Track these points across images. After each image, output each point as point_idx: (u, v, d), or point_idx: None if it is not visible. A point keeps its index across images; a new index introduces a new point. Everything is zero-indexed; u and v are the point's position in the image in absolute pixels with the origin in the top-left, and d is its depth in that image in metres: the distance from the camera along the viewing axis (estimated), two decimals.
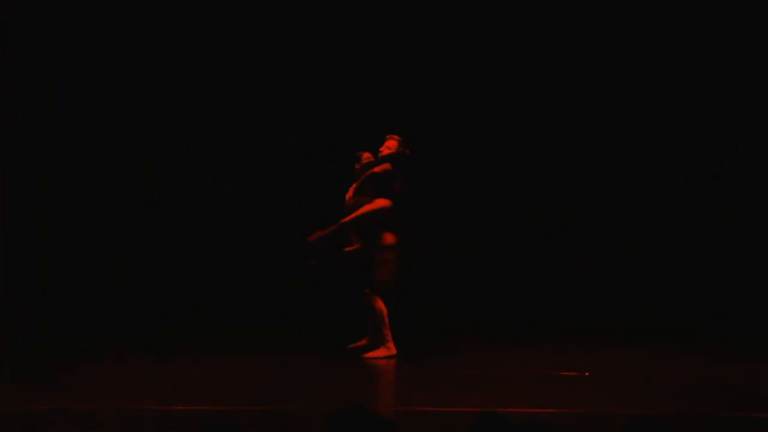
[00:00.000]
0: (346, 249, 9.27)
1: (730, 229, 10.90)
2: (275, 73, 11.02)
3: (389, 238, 9.07)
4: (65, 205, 10.27)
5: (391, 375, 8.74)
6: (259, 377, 8.35)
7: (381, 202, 9.11)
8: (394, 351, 9.09)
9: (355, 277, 9.34)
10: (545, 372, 8.41)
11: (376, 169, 9.14)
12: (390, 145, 9.27)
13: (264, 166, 11.04)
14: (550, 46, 11.05)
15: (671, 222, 11.01)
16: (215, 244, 11.05)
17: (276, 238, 10.92)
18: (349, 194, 9.29)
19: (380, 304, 9.05)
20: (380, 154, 9.28)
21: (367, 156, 9.36)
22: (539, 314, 10.97)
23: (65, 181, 10.28)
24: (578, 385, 7.99)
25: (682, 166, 10.97)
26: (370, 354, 9.14)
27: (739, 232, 10.89)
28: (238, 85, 11.01)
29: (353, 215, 9.10)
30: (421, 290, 10.81)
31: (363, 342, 9.43)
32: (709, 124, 10.91)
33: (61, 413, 6.91)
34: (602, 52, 11.02)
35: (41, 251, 9.98)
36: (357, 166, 9.35)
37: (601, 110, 11.05)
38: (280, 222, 10.95)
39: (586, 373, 8.30)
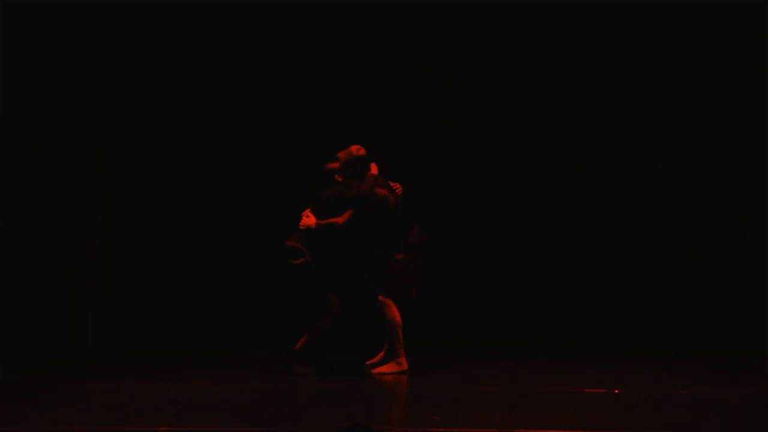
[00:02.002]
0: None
1: (735, 241, 10.74)
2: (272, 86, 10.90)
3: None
4: (52, 217, 10.24)
5: (400, 392, 8.16)
6: (255, 396, 7.82)
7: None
8: (405, 367, 8.58)
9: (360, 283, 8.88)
10: (569, 389, 7.84)
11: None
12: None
13: (255, 182, 10.93)
14: (548, 48, 10.90)
15: (680, 234, 10.86)
16: (201, 258, 10.89)
17: (264, 251, 10.54)
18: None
19: (395, 314, 8.56)
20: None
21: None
22: (553, 328, 10.75)
23: (52, 192, 10.25)
24: (606, 403, 7.39)
25: (689, 183, 10.86)
26: (380, 369, 8.64)
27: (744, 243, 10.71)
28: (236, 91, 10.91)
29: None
30: (430, 302, 10.39)
31: (381, 355, 8.88)
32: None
33: None
34: (601, 55, 10.86)
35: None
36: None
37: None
38: (269, 236, 10.65)
39: (616, 391, 7.75)
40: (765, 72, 10.49)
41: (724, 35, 10.65)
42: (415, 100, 10.98)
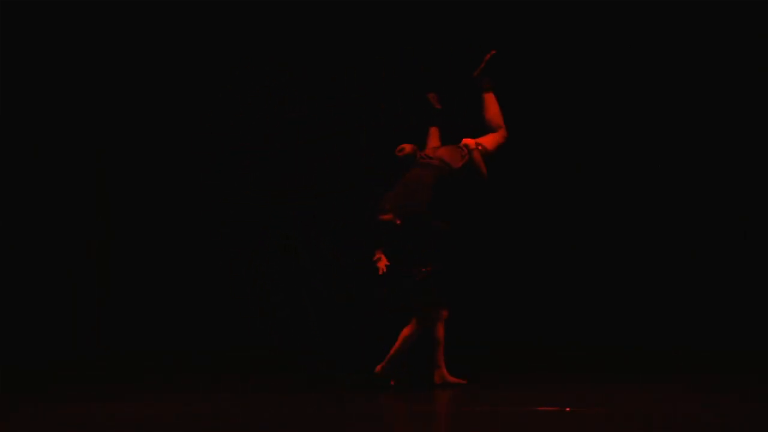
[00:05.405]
0: None
1: (735, 241, 10.69)
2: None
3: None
4: (52, 217, 10.27)
5: (381, 412, 7.63)
6: (229, 415, 7.19)
7: None
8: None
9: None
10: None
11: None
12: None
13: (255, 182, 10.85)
14: (547, 47, 10.87)
15: (680, 234, 10.83)
16: (201, 258, 10.81)
17: (264, 251, 10.69)
18: None
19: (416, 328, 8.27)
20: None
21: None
22: (552, 328, 10.73)
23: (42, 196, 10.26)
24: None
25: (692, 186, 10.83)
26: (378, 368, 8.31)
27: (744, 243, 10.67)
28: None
29: None
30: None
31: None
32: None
33: None
34: (601, 54, 10.83)
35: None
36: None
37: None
38: (269, 236, 10.74)
39: (567, 409, 7.11)
40: (765, 72, 10.47)
41: (724, 35, 10.64)
42: (414, 100, 10.95)
